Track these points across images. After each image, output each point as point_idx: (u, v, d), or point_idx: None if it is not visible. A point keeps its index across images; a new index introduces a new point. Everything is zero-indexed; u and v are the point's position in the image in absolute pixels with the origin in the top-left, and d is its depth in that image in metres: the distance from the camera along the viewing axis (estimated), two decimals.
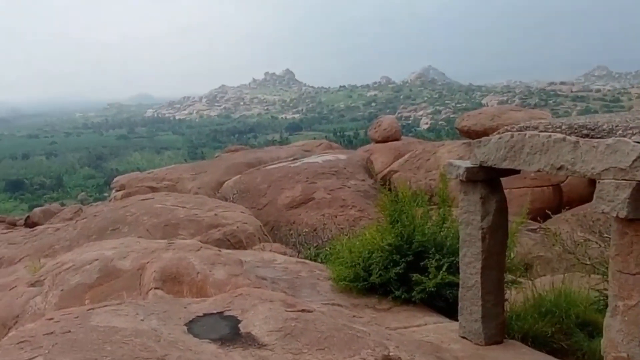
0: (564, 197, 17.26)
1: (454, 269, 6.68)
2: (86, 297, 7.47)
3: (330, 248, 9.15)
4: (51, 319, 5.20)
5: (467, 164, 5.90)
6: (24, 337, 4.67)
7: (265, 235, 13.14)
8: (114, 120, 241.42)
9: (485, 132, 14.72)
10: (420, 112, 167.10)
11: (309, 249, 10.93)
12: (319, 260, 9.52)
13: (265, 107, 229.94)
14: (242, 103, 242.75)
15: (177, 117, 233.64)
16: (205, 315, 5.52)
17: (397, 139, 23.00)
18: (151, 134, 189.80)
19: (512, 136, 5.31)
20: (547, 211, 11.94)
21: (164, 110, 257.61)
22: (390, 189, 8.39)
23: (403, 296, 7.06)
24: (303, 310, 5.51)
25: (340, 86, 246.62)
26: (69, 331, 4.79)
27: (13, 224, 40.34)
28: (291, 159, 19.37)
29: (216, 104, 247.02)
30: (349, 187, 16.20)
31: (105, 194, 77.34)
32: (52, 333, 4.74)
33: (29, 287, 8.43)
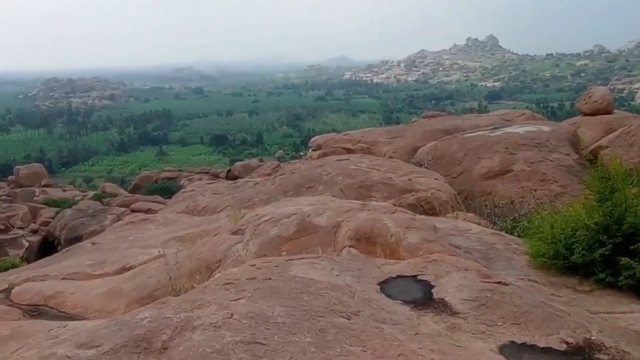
0: None
1: None
2: (283, 249, 7.80)
3: (529, 222, 8.77)
4: (253, 265, 5.50)
5: None
6: (229, 280, 4.98)
7: (459, 204, 12.91)
8: (313, 81, 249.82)
9: None
10: (637, 85, 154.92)
11: (505, 221, 10.57)
12: (516, 233, 9.18)
13: (465, 74, 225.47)
14: (440, 69, 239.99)
15: (374, 81, 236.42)
16: (398, 277, 5.53)
17: (608, 113, 21.34)
18: (348, 96, 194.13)
19: None
20: None
21: (361, 73, 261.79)
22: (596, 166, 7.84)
23: (607, 279, 6.57)
24: (499, 283, 5.33)
25: (547, 54, 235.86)
26: (270, 278, 5.03)
27: (216, 176, 43.58)
28: (490, 128, 18.74)
29: (414, 68, 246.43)
30: (551, 161, 15.39)
31: (301, 153, 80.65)
32: (254, 278, 5.01)
33: (231, 235, 8.95)
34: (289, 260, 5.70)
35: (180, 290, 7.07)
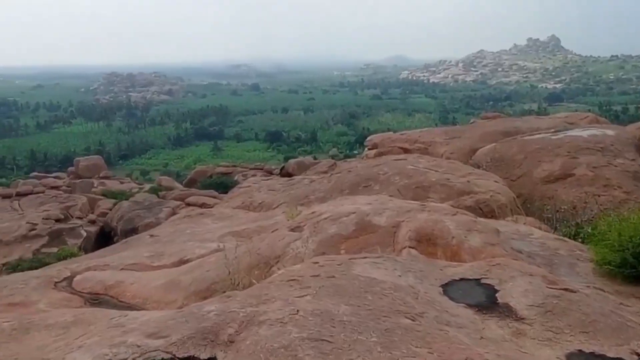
0: None
1: None
2: (342, 247, 7.77)
3: (593, 228, 8.55)
4: (316, 263, 5.51)
5: None
6: (293, 277, 5.00)
7: (518, 207, 12.68)
8: (369, 80, 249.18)
9: None
10: None
11: (568, 226, 10.32)
12: (579, 239, 8.95)
13: (525, 75, 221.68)
14: (500, 69, 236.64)
15: (431, 80, 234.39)
16: (461, 279, 5.47)
17: None
18: (404, 95, 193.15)
19: None
20: None
21: (418, 72, 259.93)
22: None
23: None
24: (566, 290, 5.21)
25: (612, 56, 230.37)
26: (333, 276, 5.04)
27: (269, 172, 43.82)
28: (552, 130, 18.36)
29: (472, 69, 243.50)
30: (615, 166, 14.99)
31: (355, 152, 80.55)
32: (318, 276, 5.02)
33: (289, 232, 8.97)
34: (352, 259, 5.69)
35: (238, 284, 7.11)
